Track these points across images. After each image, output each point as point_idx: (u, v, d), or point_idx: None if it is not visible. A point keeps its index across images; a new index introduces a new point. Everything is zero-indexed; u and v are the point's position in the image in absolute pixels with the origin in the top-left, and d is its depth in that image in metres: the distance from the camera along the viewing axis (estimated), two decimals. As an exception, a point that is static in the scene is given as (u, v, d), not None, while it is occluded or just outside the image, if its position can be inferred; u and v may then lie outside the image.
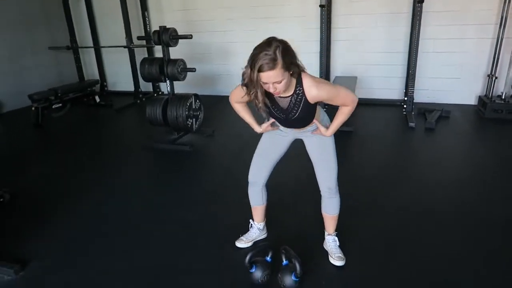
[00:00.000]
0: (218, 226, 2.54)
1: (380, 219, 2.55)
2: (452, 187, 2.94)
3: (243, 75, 1.62)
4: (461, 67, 5.08)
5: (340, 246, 2.18)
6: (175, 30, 3.87)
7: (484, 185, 2.96)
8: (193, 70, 3.96)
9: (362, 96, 5.49)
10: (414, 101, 5.19)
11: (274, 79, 1.53)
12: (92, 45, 6.57)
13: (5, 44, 5.68)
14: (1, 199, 2.92)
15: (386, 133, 4.28)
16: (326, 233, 2.21)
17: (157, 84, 6.52)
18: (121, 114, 5.61)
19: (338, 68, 5.59)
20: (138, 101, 6.05)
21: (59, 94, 5.24)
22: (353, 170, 3.38)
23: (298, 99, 1.71)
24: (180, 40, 4.00)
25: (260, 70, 1.51)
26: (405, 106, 4.81)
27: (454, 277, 1.98)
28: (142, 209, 2.81)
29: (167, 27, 3.83)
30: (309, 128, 1.95)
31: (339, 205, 2.11)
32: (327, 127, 1.93)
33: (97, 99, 5.96)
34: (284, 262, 1.96)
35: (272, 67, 1.49)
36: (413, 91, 4.75)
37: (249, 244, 2.30)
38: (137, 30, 6.14)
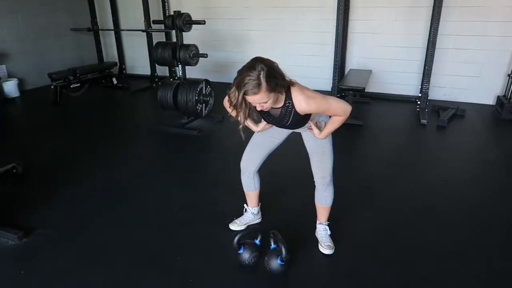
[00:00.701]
0: (216, 209, 2.60)
1: (378, 214, 2.54)
2: (455, 186, 2.90)
3: (229, 95, 1.64)
4: (481, 66, 4.93)
5: (332, 236, 2.20)
6: (188, 15, 3.91)
7: (487, 186, 2.91)
8: (204, 55, 4.00)
9: (376, 90, 5.44)
10: (431, 98, 5.11)
11: (259, 101, 1.58)
12: (112, 28, 6.70)
13: (30, 25, 5.87)
14: (14, 171, 3.08)
15: (396, 128, 4.23)
16: (318, 222, 2.24)
17: (173, 69, 6.60)
18: (136, 96, 5.73)
19: (354, 60, 5.52)
20: (154, 85, 6.16)
21: (78, 74, 5.40)
22: (356, 164, 3.39)
23: (288, 111, 1.73)
24: (197, 26, 4.03)
25: (245, 94, 1.54)
26: (419, 102, 4.72)
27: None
28: (146, 188, 2.90)
29: (181, 12, 3.87)
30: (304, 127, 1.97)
31: (332, 197, 2.13)
32: (325, 123, 1.93)
33: (114, 81, 6.10)
34: (272, 246, 2.00)
35: (257, 92, 1.51)
36: (428, 88, 4.65)
37: (242, 227, 2.35)
38: (156, 14, 6.22)
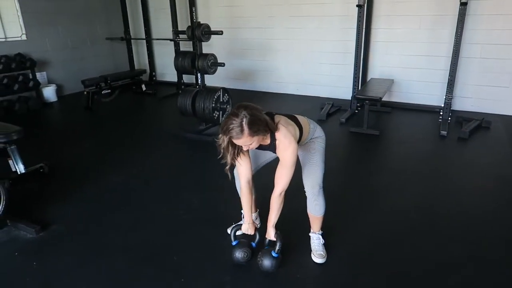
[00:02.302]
0: (219, 213, 2.70)
1: (379, 225, 2.53)
2: (463, 201, 2.82)
3: (217, 141, 1.81)
4: (511, 76, 4.71)
5: (327, 245, 2.23)
6: (207, 26, 4.07)
7: (498, 203, 2.79)
8: (222, 64, 4.14)
9: (399, 100, 5.36)
10: (457, 109, 4.97)
11: (244, 143, 1.74)
12: (144, 37, 7.05)
13: (69, 34, 6.32)
14: (42, 170, 3.35)
15: (413, 139, 4.14)
16: (311, 230, 2.27)
17: (203, 76, 6.83)
18: (163, 103, 5.98)
19: (376, 69, 5.46)
20: (180, 92, 6.37)
21: (109, 81, 5.73)
22: (363, 173, 3.37)
23: (273, 149, 1.90)
24: (224, 35, 4.18)
25: (230, 138, 1.71)
26: (441, 113, 4.59)
27: None
28: (156, 191, 3.07)
29: (200, 22, 4.04)
30: None
31: (324, 207, 2.16)
32: (319, 137, 2.08)
33: (144, 87, 6.41)
34: (266, 246, 2.08)
35: (240, 136, 1.67)
36: (450, 98, 4.51)
37: (240, 232, 2.43)
38: (185, 24, 6.48)
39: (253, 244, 2.15)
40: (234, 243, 2.12)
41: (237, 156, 1.89)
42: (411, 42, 5.12)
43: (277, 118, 1.86)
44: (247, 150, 1.92)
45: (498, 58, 4.71)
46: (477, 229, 2.46)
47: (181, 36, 5.28)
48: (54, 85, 6.05)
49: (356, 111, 5.03)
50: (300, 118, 2.02)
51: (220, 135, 1.76)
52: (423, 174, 3.31)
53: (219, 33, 4.03)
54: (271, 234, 2.07)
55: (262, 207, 2.49)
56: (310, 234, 2.27)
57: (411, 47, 5.14)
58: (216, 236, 2.43)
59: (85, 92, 5.47)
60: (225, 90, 4.28)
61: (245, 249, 2.10)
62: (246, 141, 1.71)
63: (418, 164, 3.53)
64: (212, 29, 4.13)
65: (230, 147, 1.80)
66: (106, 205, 2.86)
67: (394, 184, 3.11)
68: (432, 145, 4.01)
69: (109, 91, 5.81)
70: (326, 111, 4.93)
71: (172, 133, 4.39)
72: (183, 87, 6.47)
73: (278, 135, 1.81)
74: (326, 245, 2.23)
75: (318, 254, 2.17)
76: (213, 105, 4.09)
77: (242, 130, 1.65)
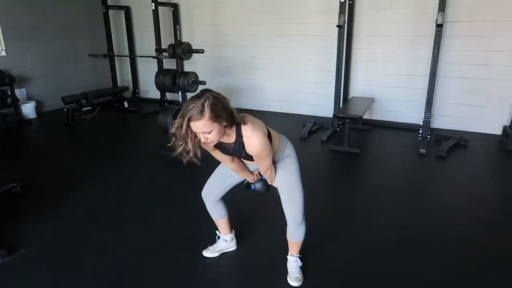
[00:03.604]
0: (195, 233, 2.64)
1: (358, 246, 2.51)
2: (441, 220, 2.82)
3: (173, 125, 1.66)
4: (487, 95, 4.83)
5: (304, 267, 2.19)
6: (188, 44, 4.08)
7: (477, 220, 2.81)
8: (203, 83, 4.13)
9: (379, 118, 5.42)
10: (436, 127, 5.05)
11: (202, 129, 1.58)
12: (127, 54, 7.03)
13: (50, 51, 6.25)
14: (13, 190, 3.24)
15: (393, 157, 4.17)
16: (289, 253, 2.22)
17: (185, 94, 6.82)
18: (145, 120, 5.93)
19: (358, 88, 5.54)
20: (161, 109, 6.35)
21: (90, 98, 5.66)
22: (343, 192, 3.37)
23: (240, 147, 1.77)
24: (206, 53, 4.19)
25: (189, 120, 1.57)
26: (420, 131, 4.66)
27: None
28: (131, 211, 2.99)
29: (182, 41, 4.06)
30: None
31: (304, 234, 2.11)
32: (290, 155, 2.01)
33: (126, 104, 6.35)
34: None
35: (200, 118, 1.55)
36: (429, 116, 4.59)
37: (216, 254, 2.38)
38: (170, 42, 6.49)
39: (252, 187, 2.16)
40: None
41: (193, 149, 1.68)
42: (391, 61, 5.22)
43: (244, 114, 1.75)
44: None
45: (475, 78, 4.83)
46: (453, 247, 2.47)
47: (163, 53, 5.28)
48: (34, 101, 5.95)
49: (338, 129, 5.07)
50: (270, 128, 1.92)
51: (178, 120, 1.61)
52: (403, 192, 3.32)
53: (200, 51, 4.04)
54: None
55: (237, 224, 2.45)
56: (288, 257, 2.22)
57: (391, 67, 5.24)
58: (190, 259, 2.36)
59: (65, 109, 5.38)
60: (206, 108, 4.26)
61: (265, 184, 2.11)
62: (205, 126, 1.56)
63: (398, 182, 3.55)
64: (193, 48, 4.14)
65: (189, 133, 1.61)
66: (78, 226, 2.77)
67: (374, 203, 3.10)
68: (412, 163, 4.04)
69: (90, 108, 5.73)
70: (308, 129, 4.95)
71: (152, 151, 4.32)
72: (166, 104, 6.44)
73: (245, 130, 1.70)
74: (303, 267, 2.19)
75: (294, 277, 2.12)
76: (194, 123, 4.06)
77: (202, 111, 1.54)
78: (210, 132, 1.60)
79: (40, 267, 2.31)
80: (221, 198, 2.24)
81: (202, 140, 1.64)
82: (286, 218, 2.07)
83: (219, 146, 1.82)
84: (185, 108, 1.58)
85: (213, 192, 2.21)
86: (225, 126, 1.64)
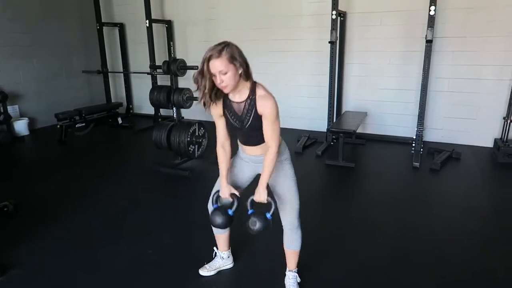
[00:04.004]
0: (191, 251, 2.62)
1: (353, 259, 2.51)
2: (437, 233, 2.84)
3: (195, 73, 1.80)
4: (478, 108, 4.92)
5: (302, 283, 2.18)
6: (183, 61, 4.11)
7: (470, 233, 2.83)
8: (197, 99, 4.14)
9: (373, 131, 5.47)
10: (429, 140, 5.11)
11: (219, 68, 1.71)
12: (121, 70, 7.05)
13: (43, 67, 6.24)
14: (5, 209, 3.19)
15: (388, 171, 4.20)
16: (287, 269, 2.21)
17: (179, 110, 6.84)
18: (139, 136, 5.91)
19: (350, 103, 5.60)
20: (155, 125, 6.35)
21: (83, 114, 5.65)
22: (338, 206, 3.37)
23: (250, 106, 1.83)
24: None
25: (209, 60, 1.72)
26: (414, 144, 4.71)
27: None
28: (125, 229, 2.95)
29: (176, 57, 4.09)
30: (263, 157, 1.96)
31: (301, 241, 2.12)
32: (287, 159, 2.03)
33: (120, 120, 6.34)
34: (250, 211, 1.93)
35: (218, 56, 1.70)
36: (421, 130, 4.65)
37: (212, 272, 2.36)
38: (164, 57, 6.54)
39: (230, 212, 1.98)
40: (215, 206, 2.00)
41: (212, 96, 1.81)
42: (383, 76, 5.31)
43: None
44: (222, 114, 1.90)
45: (465, 92, 4.93)
46: (446, 259, 2.48)
47: (158, 70, 5.31)
48: (27, 118, 5.91)
49: (332, 143, 5.10)
50: None
51: (200, 64, 1.77)
52: (398, 205, 3.34)
53: (195, 68, 4.06)
54: (262, 196, 1.92)
55: (235, 242, 2.43)
56: (286, 273, 2.21)
57: (383, 81, 5.32)
58: (187, 277, 2.33)
59: (59, 126, 5.35)
60: (200, 124, 4.27)
61: (224, 216, 1.95)
62: (222, 66, 1.70)
63: (393, 195, 3.57)
64: (188, 64, 4.17)
65: (207, 75, 1.74)
66: (71, 245, 2.72)
67: (370, 217, 3.11)
68: (406, 176, 4.07)
69: (84, 124, 5.71)
70: (302, 143, 4.97)
71: (147, 167, 4.30)
72: (160, 120, 6.45)
73: (258, 89, 1.82)
74: (301, 284, 2.18)
75: (292, 294, 2.11)
76: (189, 139, 4.06)
77: (221, 51, 1.70)
78: (226, 73, 1.72)
79: (33, 287, 2.27)
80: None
81: (218, 81, 1.74)
82: (283, 224, 2.08)
83: (230, 108, 1.86)
84: (207, 50, 1.74)
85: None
86: (240, 75, 1.76)
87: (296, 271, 2.20)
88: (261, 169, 2.03)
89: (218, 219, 1.95)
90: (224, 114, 1.92)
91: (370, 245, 2.68)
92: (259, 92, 1.81)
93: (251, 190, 2.02)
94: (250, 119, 1.84)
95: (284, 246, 2.17)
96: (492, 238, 2.77)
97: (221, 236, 2.32)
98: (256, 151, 2.00)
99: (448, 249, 2.62)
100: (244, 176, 2.13)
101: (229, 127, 1.97)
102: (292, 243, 2.13)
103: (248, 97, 1.82)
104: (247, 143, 2.01)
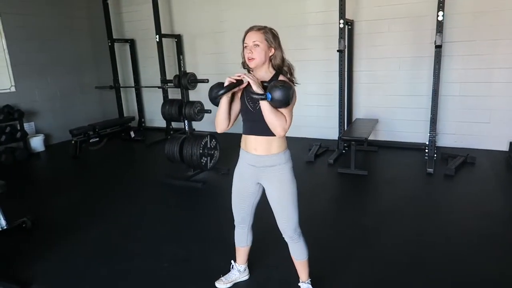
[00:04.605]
0: (206, 264, 2.62)
1: (368, 268, 2.49)
2: (453, 241, 2.80)
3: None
4: (491, 112, 4.86)
5: (317, 294, 2.17)
6: (193, 75, 4.17)
7: (485, 242, 2.77)
8: (208, 111, 4.20)
9: (384, 138, 5.44)
10: (442, 145, 5.07)
11: (253, 38, 1.84)
12: (133, 85, 7.18)
13: (58, 85, 6.40)
14: (24, 225, 3.26)
15: (401, 178, 4.16)
16: (300, 280, 2.21)
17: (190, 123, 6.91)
18: (151, 149, 5.98)
19: (361, 110, 5.59)
20: (169, 137, 6.42)
21: (97, 129, 5.75)
22: (352, 215, 3.34)
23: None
24: (210, 82, 4.23)
25: (248, 31, 1.88)
26: (427, 150, 4.67)
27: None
28: (141, 242, 2.98)
29: (186, 71, 4.16)
30: (267, 159, 1.95)
31: (306, 250, 2.11)
32: (288, 163, 1.97)
33: (132, 134, 6.43)
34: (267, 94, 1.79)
35: (256, 30, 1.86)
36: (434, 135, 4.61)
37: (229, 285, 2.36)
38: (174, 70, 6.65)
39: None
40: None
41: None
42: (393, 83, 5.30)
43: None
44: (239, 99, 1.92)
45: (477, 96, 4.88)
46: (462, 267, 2.45)
47: (169, 84, 5.39)
48: (42, 135, 6.04)
49: (344, 151, 5.08)
50: None
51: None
52: (412, 213, 3.30)
53: (205, 81, 4.12)
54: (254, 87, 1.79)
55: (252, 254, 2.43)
56: (299, 284, 2.20)
57: (393, 88, 5.31)
58: (203, 290, 2.34)
59: (73, 141, 5.46)
60: (212, 136, 4.31)
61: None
62: (257, 38, 1.83)
63: (407, 203, 3.52)
64: (198, 78, 4.23)
65: (243, 43, 1.88)
66: (88, 259, 2.76)
67: (384, 225, 3.08)
68: (420, 183, 4.03)
69: (97, 139, 5.81)
70: (314, 152, 4.97)
71: (160, 180, 4.35)
72: (172, 132, 6.52)
73: (281, 76, 1.90)
74: (316, 295, 2.17)
75: (308, 306, 2.10)
76: (201, 151, 4.10)
77: (260, 28, 1.87)
78: (257, 46, 1.82)
79: (52, 303, 2.30)
80: (252, 224, 2.23)
81: (247, 54, 1.85)
82: (284, 236, 2.07)
83: (248, 91, 1.81)
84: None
85: (243, 216, 2.18)
86: (270, 59, 1.88)
87: (309, 282, 2.18)
88: (262, 176, 2.00)
89: (215, 89, 1.89)
90: (242, 98, 1.92)
91: (385, 254, 2.65)
92: (282, 78, 1.88)
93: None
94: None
95: (291, 255, 2.15)
96: (509, 243, 2.71)
97: (241, 249, 2.32)
98: (258, 147, 1.94)
99: (465, 256, 2.58)
100: (248, 190, 2.09)
101: (243, 111, 1.94)
102: (295, 253, 2.12)
103: (272, 78, 1.89)
104: (252, 131, 1.95)
